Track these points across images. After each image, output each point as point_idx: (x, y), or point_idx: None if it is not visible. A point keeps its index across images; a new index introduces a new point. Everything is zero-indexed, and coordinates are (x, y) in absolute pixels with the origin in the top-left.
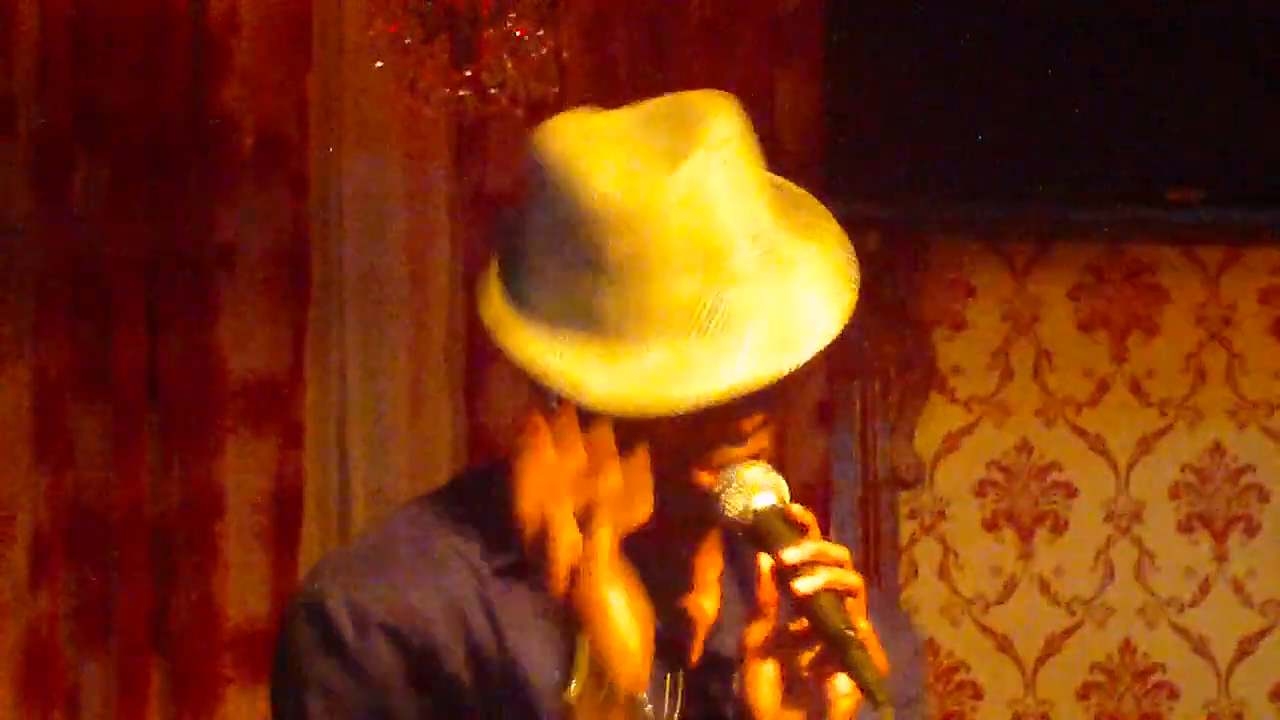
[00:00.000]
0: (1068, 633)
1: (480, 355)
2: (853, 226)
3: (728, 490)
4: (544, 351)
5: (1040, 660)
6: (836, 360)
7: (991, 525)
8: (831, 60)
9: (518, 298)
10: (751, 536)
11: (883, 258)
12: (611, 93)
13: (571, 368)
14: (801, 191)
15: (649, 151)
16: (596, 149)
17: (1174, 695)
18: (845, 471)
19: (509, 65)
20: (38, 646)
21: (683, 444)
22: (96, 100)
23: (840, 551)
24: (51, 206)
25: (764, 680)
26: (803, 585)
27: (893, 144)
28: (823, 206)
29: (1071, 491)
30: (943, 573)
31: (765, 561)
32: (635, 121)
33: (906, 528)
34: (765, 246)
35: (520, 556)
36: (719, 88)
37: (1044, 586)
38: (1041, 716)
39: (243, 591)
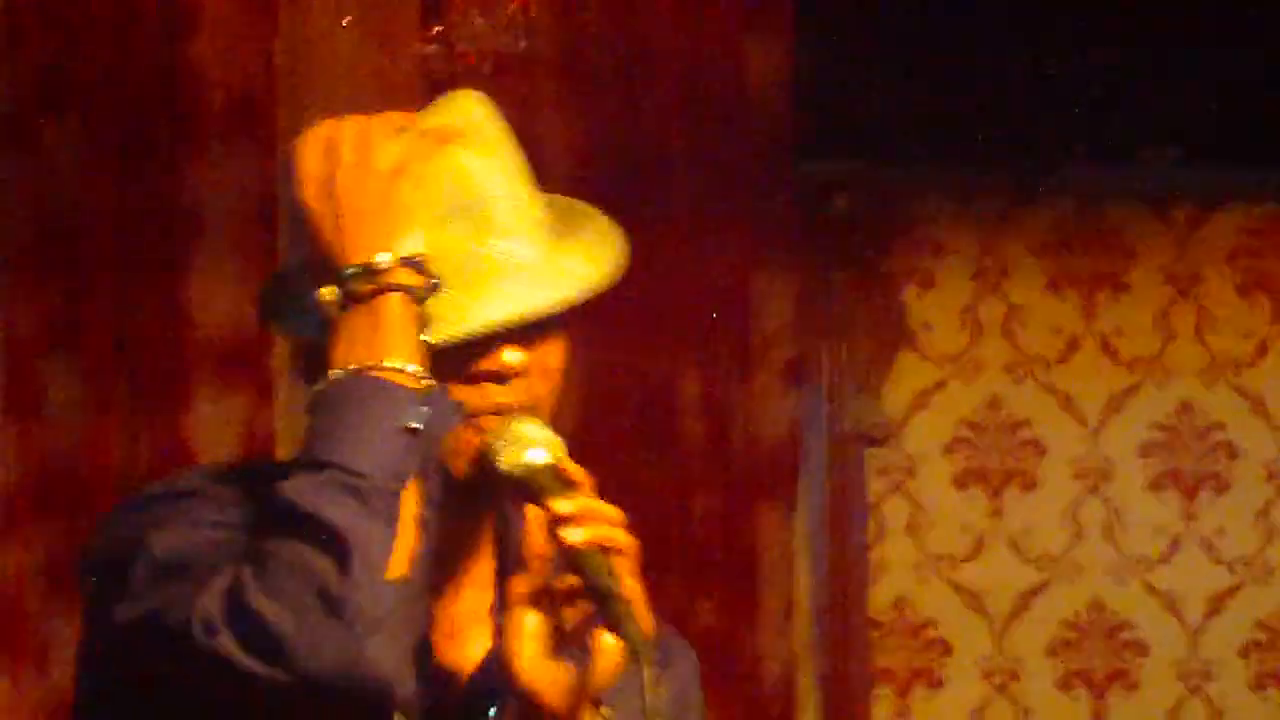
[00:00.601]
0: (1037, 590)
1: None
2: (823, 185)
3: (501, 443)
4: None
5: (1010, 618)
6: (805, 318)
7: (961, 483)
8: (802, 22)
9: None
10: (523, 490)
11: (852, 216)
12: (579, 49)
13: None
14: (572, 200)
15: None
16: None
17: (1143, 652)
18: (814, 429)
19: (477, 21)
20: (6, 603)
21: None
22: (65, 59)
23: (612, 511)
24: (20, 164)
25: (526, 634)
26: (571, 535)
27: (862, 104)
28: (594, 208)
29: (1041, 449)
30: (912, 530)
31: (534, 513)
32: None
33: (876, 485)
34: (527, 211)
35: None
36: (689, 47)
37: (1013, 544)
38: (1011, 674)
39: None
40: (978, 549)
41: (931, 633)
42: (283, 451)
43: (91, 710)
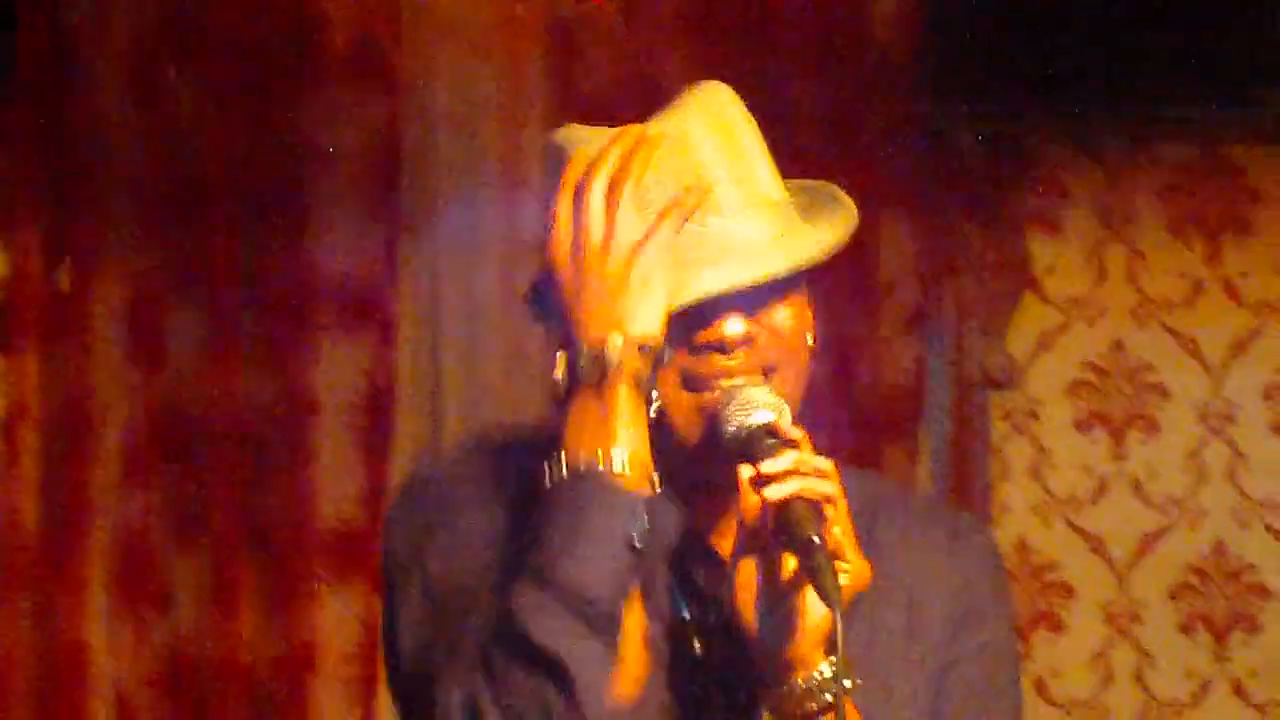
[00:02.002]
0: (1160, 533)
1: None
2: (948, 128)
3: (728, 408)
4: None
5: (1132, 561)
6: (929, 262)
7: (1084, 426)
8: None
9: None
10: (740, 450)
11: (977, 160)
12: None
13: None
14: (824, 184)
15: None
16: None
17: (1265, 595)
18: (938, 372)
19: None
20: (131, 547)
21: (685, 368)
22: (190, 5)
23: (823, 463)
24: (145, 109)
25: (745, 585)
26: (772, 492)
27: (988, 46)
28: (840, 192)
29: (1164, 392)
30: (1035, 473)
31: (745, 471)
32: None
33: (999, 428)
34: (755, 192)
35: None
36: None
37: (1136, 487)
38: (1133, 616)
39: (335, 491)
40: (1100, 492)
41: (1053, 576)
42: (406, 395)
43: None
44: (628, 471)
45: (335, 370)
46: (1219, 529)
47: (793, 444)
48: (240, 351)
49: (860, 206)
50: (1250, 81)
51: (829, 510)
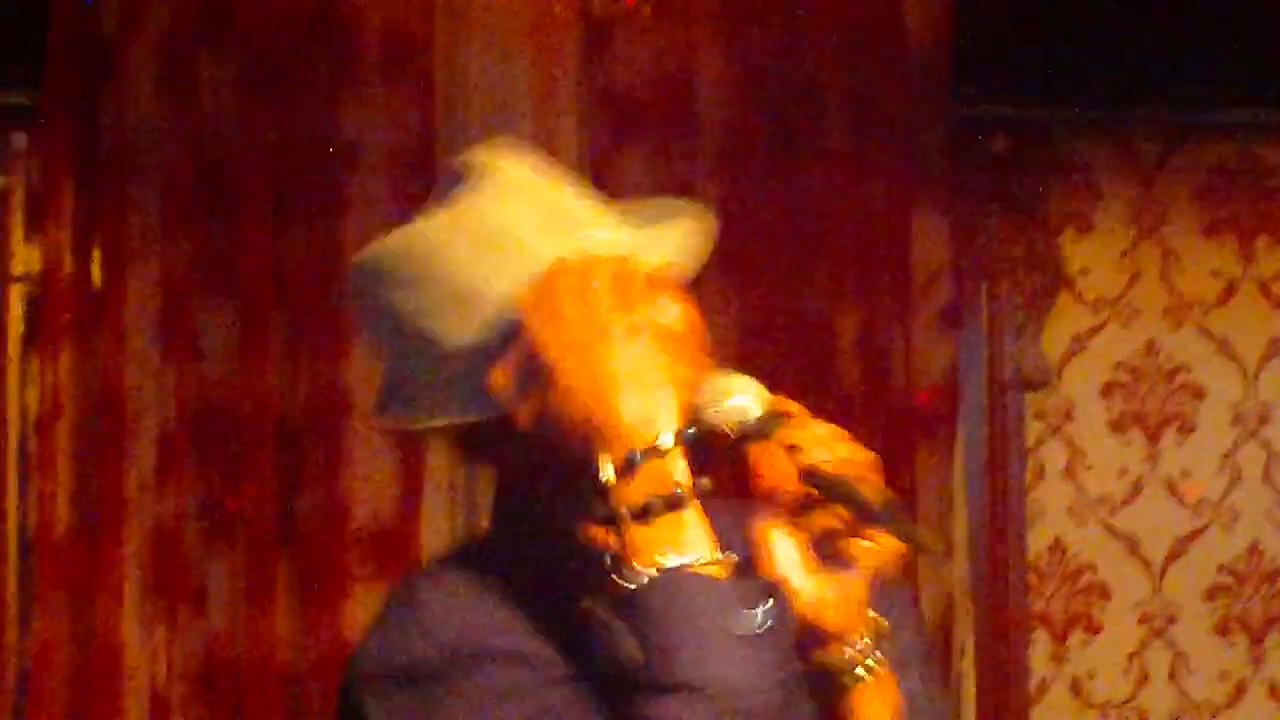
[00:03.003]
0: (1195, 535)
1: None
2: (981, 128)
3: (713, 401)
4: None
5: (1167, 561)
6: (965, 261)
7: (1119, 426)
8: None
9: None
10: (748, 434)
11: (1011, 159)
12: None
13: None
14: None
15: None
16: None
17: None
18: (973, 372)
19: None
20: (165, 543)
21: None
22: (223, 1)
23: (830, 427)
24: (179, 105)
25: (790, 560)
26: (817, 455)
27: (1022, 45)
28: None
29: (1199, 393)
30: (1070, 474)
31: (774, 448)
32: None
33: (1034, 428)
34: (605, 209)
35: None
36: None
37: (1171, 488)
38: (1168, 618)
39: (369, 489)
40: (1135, 493)
41: (1089, 577)
42: None
43: None
44: (716, 561)
45: (368, 368)
46: (1254, 530)
47: (792, 414)
48: (274, 349)
49: (894, 206)
50: None
51: (855, 466)
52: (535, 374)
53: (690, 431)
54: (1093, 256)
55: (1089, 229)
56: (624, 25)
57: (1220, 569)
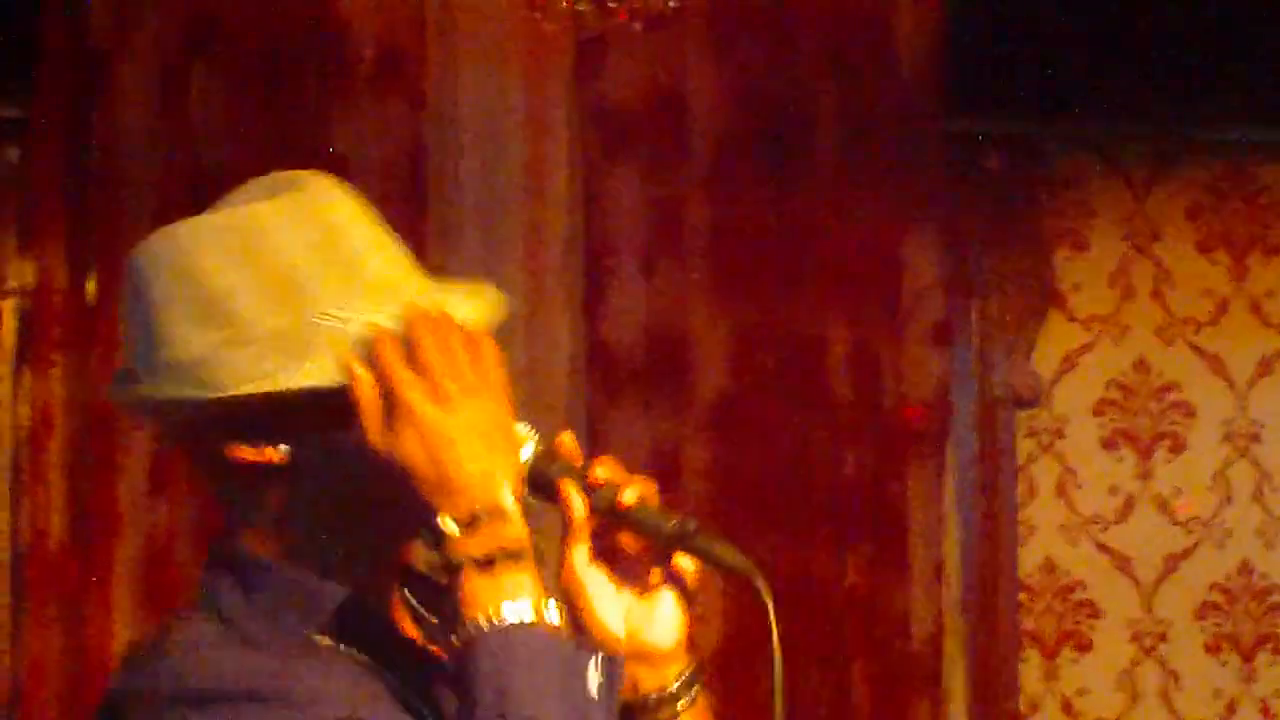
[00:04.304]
0: (1186, 553)
1: (596, 268)
2: (973, 144)
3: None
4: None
5: (1158, 580)
6: (954, 277)
7: (1110, 444)
8: None
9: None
10: (532, 484)
11: (1003, 176)
12: (729, 5)
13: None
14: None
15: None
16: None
17: None
18: (963, 390)
19: None
20: (158, 557)
21: None
22: (215, 11)
23: (611, 464)
24: (170, 118)
25: (601, 601)
26: (628, 496)
27: (1014, 62)
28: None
29: (1190, 411)
30: (1061, 491)
31: (569, 487)
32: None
33: (1025, 446)
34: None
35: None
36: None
37: (1162, 506)
38: (1159, 636)
39: None
40: (1126, 511)
41: (1080, 595)
42: None
43: None
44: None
45: None
46: (1245, 548)
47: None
48: None
49: (886, 223)
50: (1277, 101)
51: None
52: (389, 409)
53: (526, 495)
54: (1084, 274)
55: (1081, 246)
56: (616, 42)
57: (1211, 587)
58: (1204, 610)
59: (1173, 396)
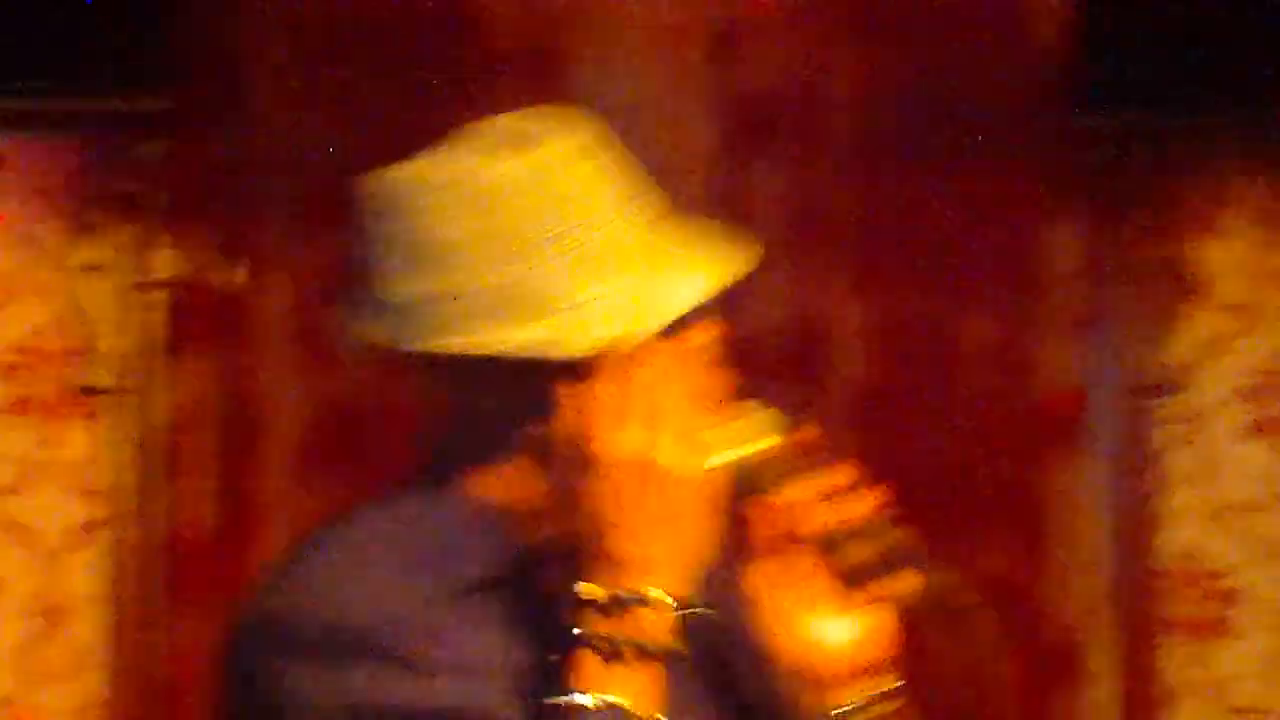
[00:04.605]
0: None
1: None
2: (1112, 134)
3: (731, 444)
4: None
5: None
6: (1093, 267)
7: (1249, 432)
8: None
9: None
10: (755, 481)
11: (1142, 165)
12: None
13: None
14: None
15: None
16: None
17: None
18: (1103, 378)
19: None
20: None
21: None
22: (356, 4)
23: (840, 477)
24: (315, 109)
25: (784, 613)
26: (818, 521)
27: (1151, 50)
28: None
29: None
30: (1200, 479)
31: (769, 503)
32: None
33: (1163, 434)
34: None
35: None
36: None
37: None
38: None
39: None
40: (1267, 498)
41: (1220, 582)
42: None
43: None
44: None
45: None
46: None
47: (805, 463)
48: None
49: (1025, 212)
50: None
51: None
52: (578, 438)
53: (690, 611)
54: (1222, 262)
55: (1219, 235)
56: (753, 33)
57: None
58: None
59: None
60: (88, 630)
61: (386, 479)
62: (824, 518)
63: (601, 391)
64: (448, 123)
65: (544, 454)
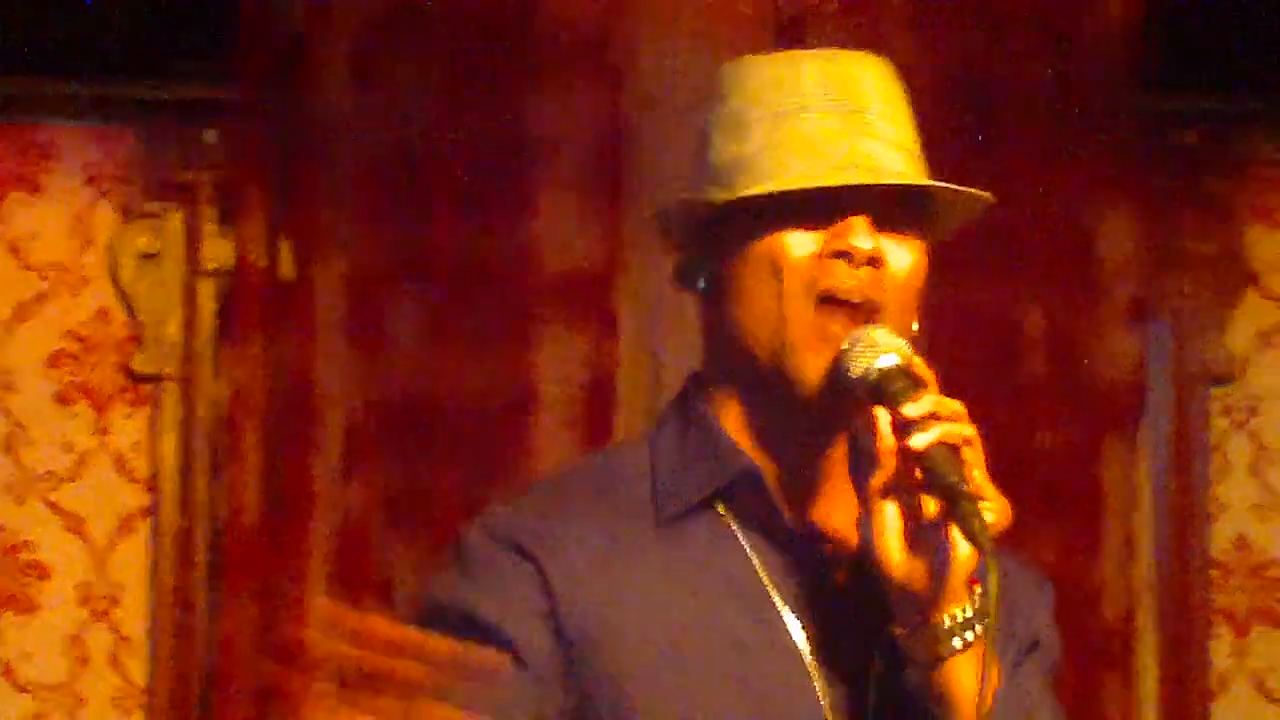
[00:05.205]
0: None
1: None
2: (1171, 119)
3: (854, 349)
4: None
5: None
6: (1150, 254)
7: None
8: None
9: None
10: (874, 394)
11: (1199, 152)
12: None
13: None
14: None
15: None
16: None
17: None
18: (1159, 367)
19: None
20: (351, 536)
21: (813, 279)
22: None
23: (956, 405)
24: (368, 97)
25: (887, 528)
26: (917, 440)
27: (1211, 38)
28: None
29: None
30: (1255, 469)
31: (883, 415)
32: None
33: (1219, 424)
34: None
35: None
36: None
37: None
38: None
39: None
40: None
41: (1273, 572)
42: (626, 387)
43: None
44: None
45: (555, 361)
46: None
47: (924, 384)
48: (461, 340)
49: (1082, 199)
50: None
51: (967, 453)
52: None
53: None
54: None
55: (1277, 224)
56: (815, 20)
57: None
58: None
59: None
60: (138, 619)
61: (435, 468)
62: (935, 435)
63: None
64: (505, 112)
65: None
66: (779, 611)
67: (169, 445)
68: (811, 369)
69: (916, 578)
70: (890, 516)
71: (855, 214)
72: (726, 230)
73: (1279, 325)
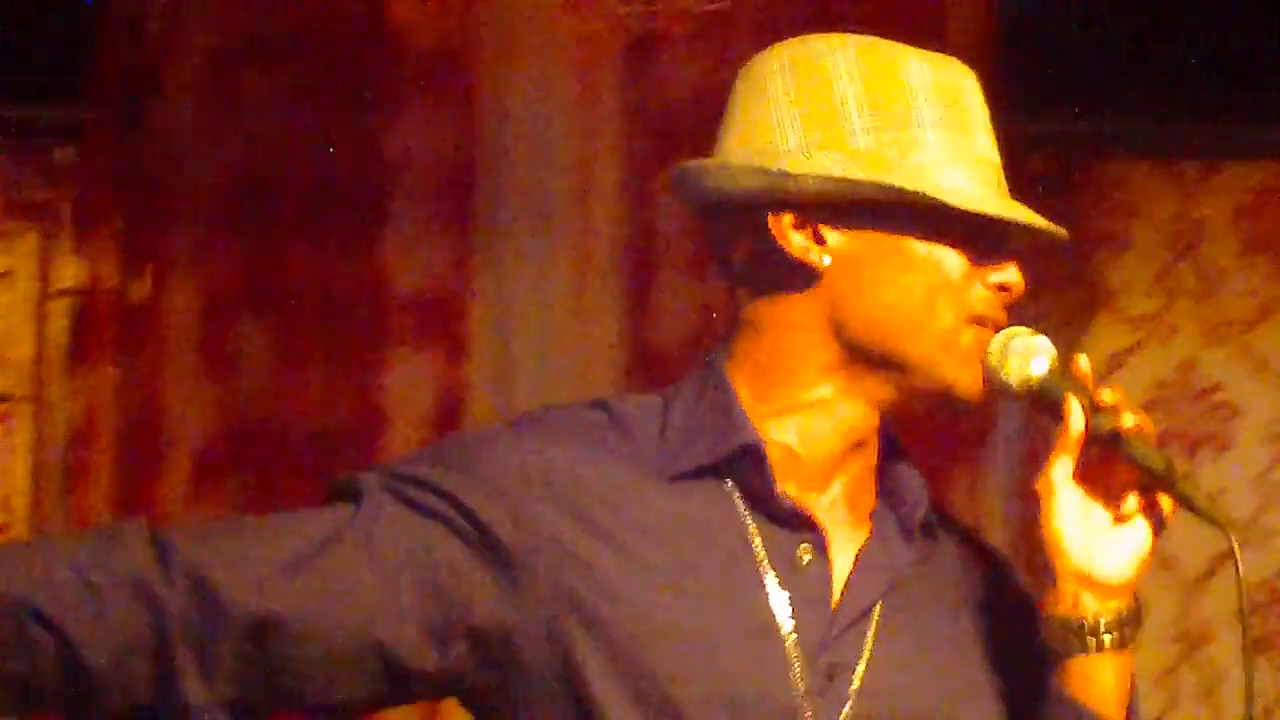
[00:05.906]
0: (1229, 555)
1: (645, 270)
2: (1019, 144)
3: (1006, 360)
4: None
5: (1196, 583)
6: None
7: (1156, 445)
8: None
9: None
10: (1044, 395)
11: (1049, 176)
12: (775, 8)
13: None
14: None
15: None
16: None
17: None
18: None
19: None
20: None
21: (972, 300)
22: (266, 13)
23: (1119, 391)
24: (223, 120)
25: (1068, 517)
26: (1127, 420)
27: (1061, 61)
28: None
29: (1234, 412)
30: None
31: (1076, 403)
32: None
33: None
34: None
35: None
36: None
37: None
38: (1194, 641)
39: None
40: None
41: None
42: (477, 409)
43: None
44: None
45: (406, 383)
46: None
47: (1084, 377)
48: (311, 363)
49: None
50: None
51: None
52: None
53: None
54: (1130, 275)
55: (1126, 246)
56: (665, 41)
57: (1256, 586)
58: (1249, 609)
59: (1217, 397)
60: None
61: (286, 491)
62: (1136, 420)
63: None
64: (356, 135)
65: None
66: (768, 593)
67: (20, 465)
68: (970, 380)
69: (1095, 566)
70: (1072, 505)
71: (1014, 249)
72: (856, 211)
73: (1131, 347)
